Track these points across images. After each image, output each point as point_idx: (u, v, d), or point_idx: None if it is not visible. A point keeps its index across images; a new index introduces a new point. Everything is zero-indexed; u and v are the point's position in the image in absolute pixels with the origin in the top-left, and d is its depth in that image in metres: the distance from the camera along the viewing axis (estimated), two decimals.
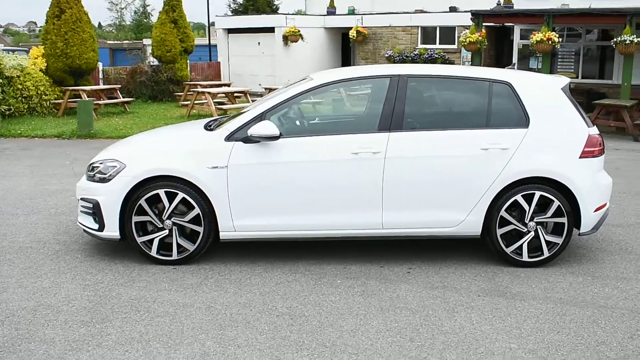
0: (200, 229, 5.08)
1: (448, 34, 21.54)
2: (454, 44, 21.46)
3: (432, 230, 5.15)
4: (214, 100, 14.46)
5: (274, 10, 38.70)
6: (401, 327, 4.08)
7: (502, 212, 5.07)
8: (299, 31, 21.16)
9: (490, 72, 5.39)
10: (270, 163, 4.98)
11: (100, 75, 17.81)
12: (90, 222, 5.28)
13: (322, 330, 4.03)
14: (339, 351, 3.77)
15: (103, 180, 5.14)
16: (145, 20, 46.08)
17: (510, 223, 5.10)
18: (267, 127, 4.85)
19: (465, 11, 21.54)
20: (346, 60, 25.39)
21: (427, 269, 5.12)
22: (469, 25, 20.39)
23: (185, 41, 19.09)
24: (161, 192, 5.02)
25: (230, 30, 23.10)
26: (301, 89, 5.14)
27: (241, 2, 35.72)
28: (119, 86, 16.73)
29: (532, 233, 5.11)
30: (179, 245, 5.12)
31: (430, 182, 5.03)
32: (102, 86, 16.61)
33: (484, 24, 19.94)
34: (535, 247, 5.16)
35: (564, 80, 5.35)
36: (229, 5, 37.45)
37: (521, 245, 5.12)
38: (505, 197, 5.05)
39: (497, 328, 4.09)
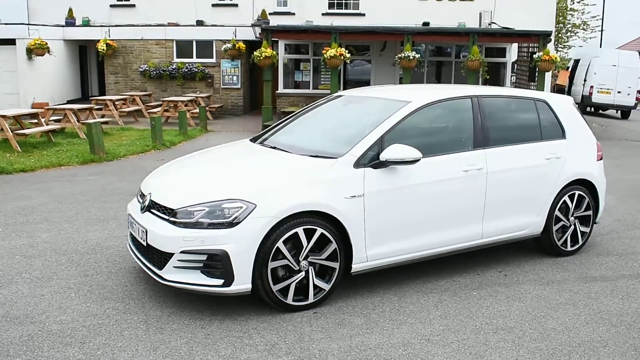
0: (336, 265, 4.72)
1: (206, 47, 21.59)
2: (213, 58, 21.63)
3: (513, 235, 5.71)
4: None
5: None
6: (596, 317, 4.58)
7: (557, 212, 5.91)
8: (46, 43, 18.76)
9: (529, 92, 6.20)
10: (403, 186, 4.92)
11: None
12: (201, 279, 4.42)
13: (550, 334, 4.29)
14: (599, 345, 4.12)
15: (224, 226, 4.37)
16: None
17: (561, 220, 5.96)
18: (408, 151, 4.77)
19: (213, 25, 21.97)
20: (84, 75, 23.37)
21: (514, 270, 5.66)
22: (228, 40, 20.97)
23: None
24: (300, 230, 4.51)
25: None
26: (406, 111, 5.15)
27: None
28: None
29: (573, 227, 6.06)
30: (315, 287, 4.67)
31: (515, 192, 5.59)
32: None
33: (243, 38, 20.71)
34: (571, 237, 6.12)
35: (571, 98, 6.44)
36: None
37: (567, 237, 6.03)
38: (558, 198, 5.89)
39: None
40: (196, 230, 4.40)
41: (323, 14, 23.15)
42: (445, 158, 5.19)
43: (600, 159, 6.30)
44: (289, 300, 4.57)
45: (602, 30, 31.77)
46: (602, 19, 31.91)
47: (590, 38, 34.77)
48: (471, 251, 5.60)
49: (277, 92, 20.27)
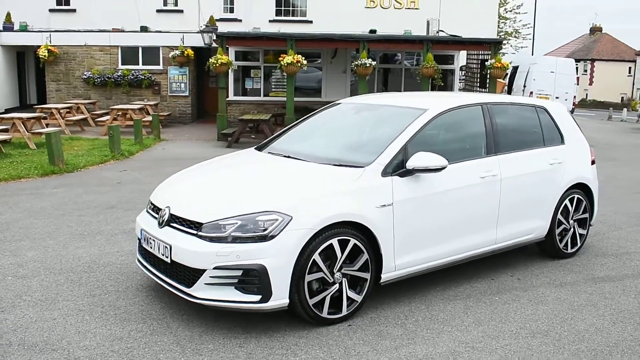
0: (368, 275, 4.67)
1: (152, 54, 21.04)
2: (160, 65, 21.11)
3: (522, 239, 5.81)
4: None
5: None
6: (620, 317, 4.73)
7: (559, 215, 6.07)
8: None
9: (528, 99, 6.34)
10: (427, 195, 4.92)
11: None
12: (236, 296, 4.26)
13: (585, 335, 4.39)
14: (634, 344, 4.25)
15: (260, 239, 4.23)
16: None
17: (562, 223, 6.13)
18: (434, 159, 4.77)
19: (159, 31, 21.47)
20: (22, 82, 22.30)
21: (524, 274, 5.77)
22: (175, 46, 20.54)
23: None
24: (334, 242, 4.43)
25: None
26: (425, 118, 5.15)
27: None
28: None
29: (572, 229, 6.24)
30: (347, 298, 4.59)
31: (524, 197, 5.70)
32: None
33: (191, 45, 20.36)
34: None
35: (564, 105, 6.64)
36: None
37: (567, 240, 6.20)
38: (560, 202, 6.06)
39: None
40: (230, 245, 4.23)
41: (270, 21, 23.05)
42: (463, 165, 5.23)
43: (593, 163, 6.52)
44: (324, 313, 4.47)
45: (533, 38, 33.15)
46: (534, 27, 33.29)
47: (522, 47, 36.17)
48: (483, 257, 5.66)
49: (227, 99, 19.96)
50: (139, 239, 5.04)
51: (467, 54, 19.05)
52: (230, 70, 19.95)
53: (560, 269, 5.92)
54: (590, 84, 53.99)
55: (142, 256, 5.07)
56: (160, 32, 21.46)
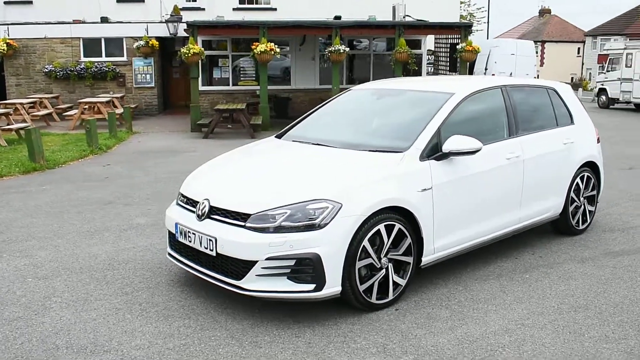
0: (410, 259, 4.72)
1: (115, 45, 20.50)
2: (124, 56, 20.59)
3: (541, 218, 5.97)
4: None
5: None
6: None
7: (572, 193, 6.25)
8: None
9: (539, 81, 6.47)
10: (461, 177, 4.99)
11: None
12: (289, 286, 4.24)
13: (623, 307, 4.56)
14: None
15: (312, 228, 4.22)
16: None
17: (575, 201, 6.32)
18: (469, 142, 4.84)
19: (119, 22, 20.96)
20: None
21: (544, 251, 5.93)
22: (139, 37, 20.11)
23: None
24: (382, 227, 4.46)
25: None
26: (454, 102, 5.21)
27: None
28: None
29: (583, 206, 6.44)
30: (393, 283, 4.64)
31: (543, 177, 5.85)
32: None
33: (155, 35, 19.96)
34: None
35: (569, 86, 6.82)
36: None
37: (579, 217, 6.40)
38: (572, 181, 6.24)
39: None
40: (282, 235, 4.20)
41: (234, 9, 22.77)
42: (491, 147, 5.32)
43: (598, 142, 6.72)
44: (374, 299, 4.50)
45: (488, 22, 33.73)
46: (488, 10, 33.87)
47: (477, 30, 36.74)
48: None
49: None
50: (172, 233, 4.95)
51: (435, 38, 19.23)
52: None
53: (576, 245, 6.11)
54: (541, 65, 55.34)
55: (175, 250, 4.99)
56: (122, 22, 20.93)
